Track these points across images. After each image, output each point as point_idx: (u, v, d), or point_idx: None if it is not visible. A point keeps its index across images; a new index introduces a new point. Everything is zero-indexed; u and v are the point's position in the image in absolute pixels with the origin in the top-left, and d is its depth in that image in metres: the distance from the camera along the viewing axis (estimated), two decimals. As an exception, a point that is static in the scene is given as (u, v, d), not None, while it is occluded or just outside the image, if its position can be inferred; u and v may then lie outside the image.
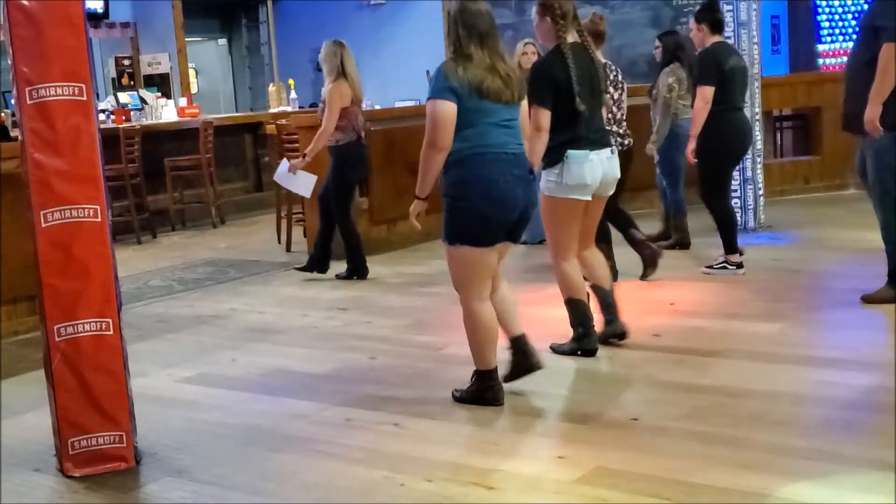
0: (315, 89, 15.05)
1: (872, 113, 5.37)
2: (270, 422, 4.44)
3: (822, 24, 12.64)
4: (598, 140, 4.90)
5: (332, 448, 4.08)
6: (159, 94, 12.60)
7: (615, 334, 5.24)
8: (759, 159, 8.64)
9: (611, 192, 5.09)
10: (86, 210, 3.81)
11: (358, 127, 7.20)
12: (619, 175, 5.05)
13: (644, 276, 6.66)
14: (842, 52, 12.51)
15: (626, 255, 6.77)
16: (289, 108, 12.62)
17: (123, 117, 11.14)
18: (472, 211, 4.22)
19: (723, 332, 5.44)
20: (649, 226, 7.77)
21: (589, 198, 4.90)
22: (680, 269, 7.01)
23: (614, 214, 6.47)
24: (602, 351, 5.11)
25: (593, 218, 5.15)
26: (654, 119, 7.63)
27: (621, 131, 6.57)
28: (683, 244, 7.70)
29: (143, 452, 4.07)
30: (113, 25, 13.91)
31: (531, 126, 4.64)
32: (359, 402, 4.63)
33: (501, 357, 4.48)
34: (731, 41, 8.41)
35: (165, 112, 11.89)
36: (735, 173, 8.47)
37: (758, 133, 8.62)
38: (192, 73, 14.47)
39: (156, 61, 13.94)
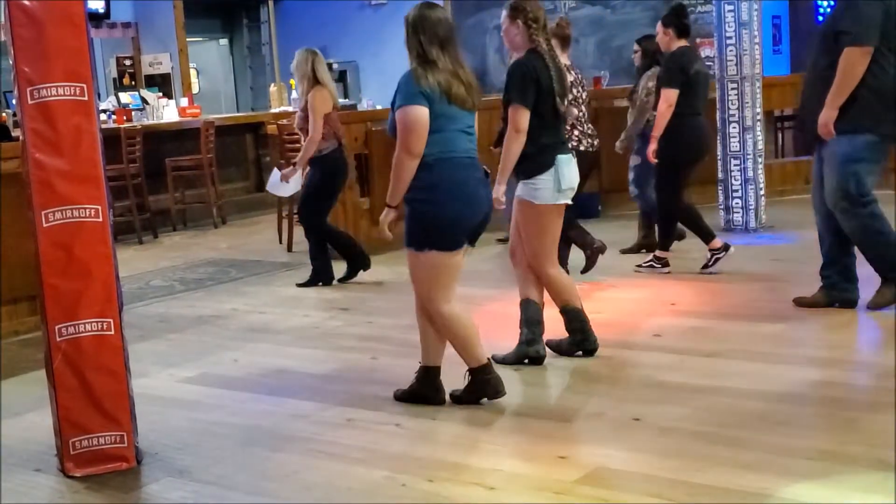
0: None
1: (827, 116, 5.31)
2: (271, 422, 4.44)
3: (824, 25, 12.62)
4: (566, 144, 4.99)
5: (334, 448, 4.08)
6: (160, 94, 12.61)
7: (527, 356, 5.04)
8: (760, 159, 8.63)
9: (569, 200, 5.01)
10: (87, 210, 3.81)
11: (339, 133, 7.23)
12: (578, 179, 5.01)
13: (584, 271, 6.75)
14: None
15: (628, 258, 6.77)
16: (290, 109, 12.59)
17: (125, 117, 11.14)
18: (441, 215, 4.22)
19: (724, 332, 5.44)
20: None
21: (569, 201, 4.92)
22: (681, 269, 7.01)
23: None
24: (603, 351, 5.10)
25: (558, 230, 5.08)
26: (629, 120, 7.69)
27: (589, 131, 6.59)
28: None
29: (144, 452, 4.07)
30: (114, 25, 13.92)
31: (510, 127, 4.69)
32: (360, 402, 4.63)
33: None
34: (732, 41, 8.42)
35: (167, 112, 11.90)
36: (736, 173, 8.51)
37: (759, 133, 8.62)
38: (193, 73, 14.48)
39: (157, 61, 13.95)
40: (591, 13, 12.92)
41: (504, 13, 4.89)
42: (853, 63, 5.21)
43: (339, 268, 7.47)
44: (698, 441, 3.91)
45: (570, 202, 4.93)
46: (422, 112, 4.14)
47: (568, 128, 6.04)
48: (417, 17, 4.26)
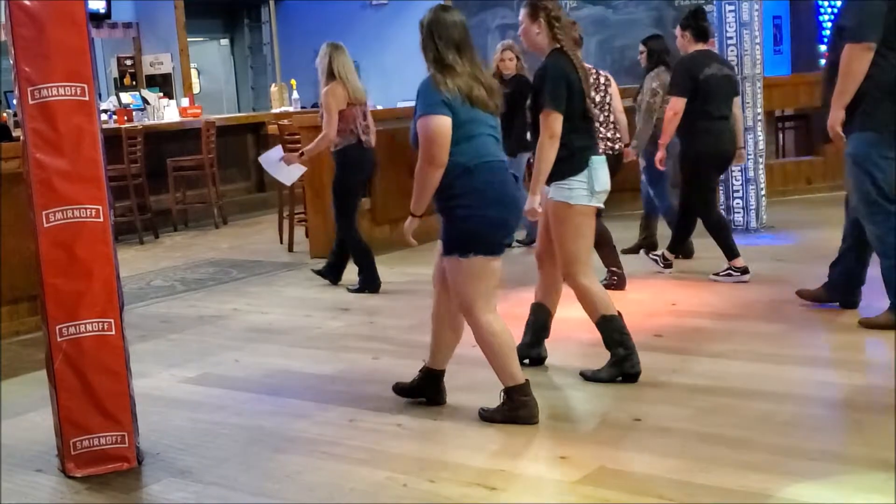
0: (317, 89, 15.06)
1: (833, 116, 5.18)
2: (273, 422, 4.44)
3: (825, 25, 12.63)
4: (598, 145, 4.84)
5: (336, 449, 4.08)
6: (161, 94, 12.61)
7: (532, 358, 4.99)
8: (760, 160, 8.64)
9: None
10: (88, 210, 3.80)
11: (357, 129, 6.99)
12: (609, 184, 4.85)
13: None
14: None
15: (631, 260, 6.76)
16: (291, 109, 12.62)
17: (125, 117, 11.14)
18: (487, 218, 4.10)
19: (725, 332, 5.43)
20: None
21: (601, 204, 4.76)
22: (681, 269, 7.00)
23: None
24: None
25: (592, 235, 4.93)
26: (637, 123, 7.61)
27: (609, 135, 6.55)
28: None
29: (146, 453, 4.07)
30: (115, 25, 13.92)
31: (544, 133, 4.51)
32: (362, 402, 4.63)
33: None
34: (732, 41, 8.41)
35: (167, 112, 11.90)
36: (737, 173, 8.51)
37: (760, 133, 8.62)
38: (194, 73, 14.48)
39: (158, 61, 13.95)
40: (593, 13, 12.90)
41: (523, 12, 4.73)
42: (851, 60, 5.07)
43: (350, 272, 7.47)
44: (699, 441, 3.90)
45: (601, 206, 4.77)
46: (444, 122, 4.03)
47: None
48: (432, 21, 4.16)
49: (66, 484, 3.89)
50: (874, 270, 5.50)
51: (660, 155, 6.81)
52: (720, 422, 4.12)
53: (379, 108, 11.24)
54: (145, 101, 12.06)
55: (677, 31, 6.95)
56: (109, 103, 11.99)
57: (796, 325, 5.51)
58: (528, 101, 4.73)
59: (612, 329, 4.69)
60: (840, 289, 5.66)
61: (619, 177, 6.47)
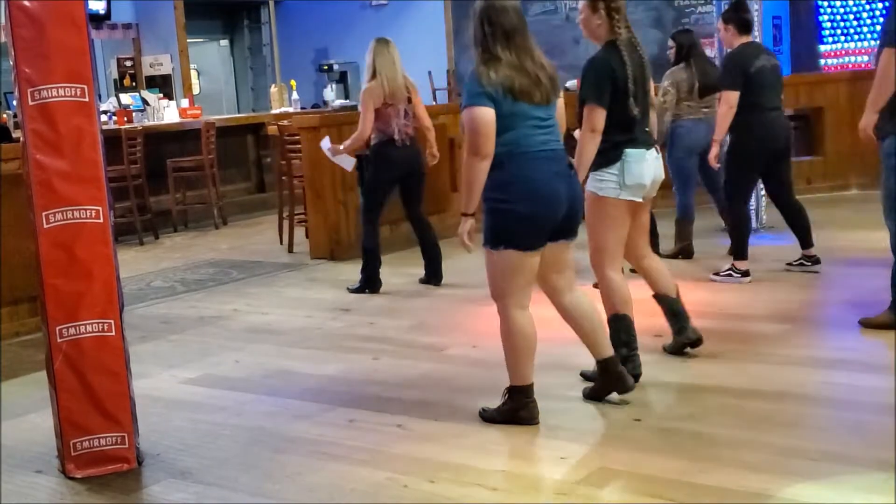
0: (317, 90, 15.07)
1: (865, 119, 5.14)
2: (274, 423, 4.44)
3: (824, 25, 12.64)
4: (647, 140, 4.73)
5: (336, 449, 4.08)
6: (161, 95, 12.61)
7: (689, 342, 4.98)
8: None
9: (654, 194, 4.81)
10: (88, 211, 3.80)
11: (391, 128, 6.91)
12: (663, 176, 4.80)
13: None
14: (843, 52, 12.51)
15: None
16: (290, 109, 12.63)
17: (125, 118, 11.13)
18: (515, 213, 4.06)
19: (726, 332, 5.43)
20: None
21: (641, 199, 4.69)
22: (682, 269, 7.00)
23: None
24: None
25: (644, 223, 4.90)
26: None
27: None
28: (686, 253, 7.54)
29: (146, 454, 4.07)
30: (115, 26, 13.93)
31: (585, 126, 4.50)
32: (362, 403, 4.62)
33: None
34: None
35: (167, 113, 11.90)
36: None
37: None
38: (193, 74, 14.47)
39: (158, 62, 13.95)
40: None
41: (583, 2, 4.69)
42: (887, 64, 5.07)
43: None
44: (700, 441, 3.90)
45: (639, 200, 4.66)
46: (485, 112, 3.99)
47: None
48: (483, 9, 4.10)
49: (66, 485, 3.89)
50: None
51: (714, 152, 6.74)
52: (720, 422, 4.12)
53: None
54: (145, 101, 12.07)
55: (719, 25, 6.88)
56: (109, 104, 11.99)
57: (796, 325, 5.50)
58: (577, 94, 4.69)
59: (620, 328, 4.69)
60: None
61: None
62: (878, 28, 11.95)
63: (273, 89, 13.84)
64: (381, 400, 4.63)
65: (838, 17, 12.72)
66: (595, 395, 4.44)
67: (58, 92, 3.73)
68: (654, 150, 4.72)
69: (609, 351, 4.37)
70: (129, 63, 14.11)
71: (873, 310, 5.40)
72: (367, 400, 4.66)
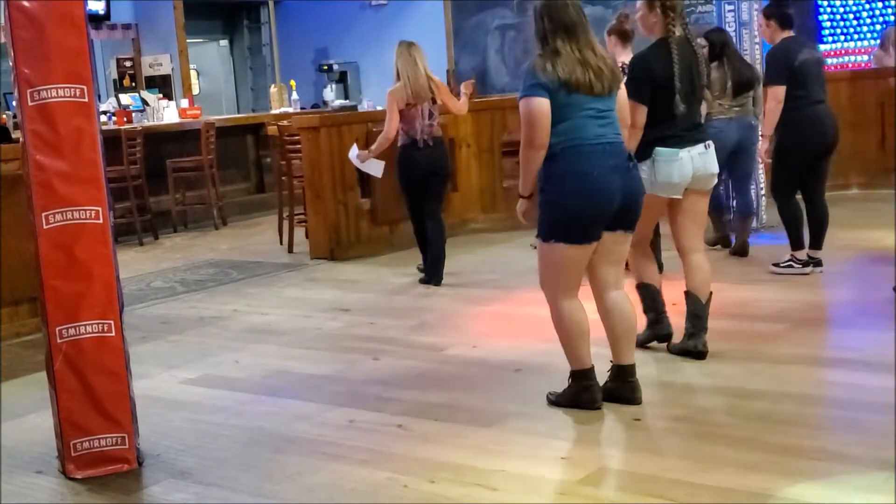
0: (316, 90, 15.07)
1: None
2: (274, 423, 4.44)
3: (824, 24, 12.62)
4: (690, 137, 4.79)
5: (336, 449, 4.08)
6: (161, 95, 12.61)
7: (694, 352, 4.95)
8: (757, 163, 8.60)
9: (709, 187, 4.94)
10: (87, 211, 3.80)
11: (414, 130, 7.04)
12: (714, 169, 4.89)
13: None
14: (843, 52, 12.50)
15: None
16: (290, 109, 12.62)
17: (125, 119, 11.14)
18: (566, 207, 4.12)
19: (726, 331, 5.42)
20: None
21: (678, 195, 4.80)
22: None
23: None
24: (604, 350, 5.09)
25: (693, 214, 4.96)
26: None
27: None
28: (725, 242, 7.66)
29: (146, 454, 4.06)
30: (114, 27, 13.91)
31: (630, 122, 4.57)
32: (362, 403, 4.62)
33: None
34: (732, 41, 8.40)
35: (167, 113, 11.90)
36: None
37: (760, 133, 8.59)
38: (193, 74, 14.47)
39: (157, 62, 13.94)
40: (592, 13, 12.79)
41: (640, 0, 4.86)
42: None
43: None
44: (700, 441, 3.90)
45: (676, 196, 4.79)
46: (541, 103, 4.07)
47: None
48: (544, 6, 4.20)
49: (66, 485, 3.89)
50: None
51: (764, 146, 6.75)
52: (720, 421, 4.12)
53: (379, 108, 11.26)
54: (145, 102, 12.07)
55: (761, 20, 6.90)
56: (109, 105, 11.99)
57: (796, 325, 5.50)
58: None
59: (647, 294, 5.07)
60: None
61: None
62: (879, 28, 11.97)
63: (273, 89, 13.84)
64: (381, 400, 4.63)
65: (838, 17, 12.70)
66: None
67: (57, 92, 3.73)
68: (699, 146, 4.81)
69: (631, 359, 4.39)
70: (128, 63, 14.10)
71: (873, 309, 5.41)
72: (367, 400, 4.66)
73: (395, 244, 8.56)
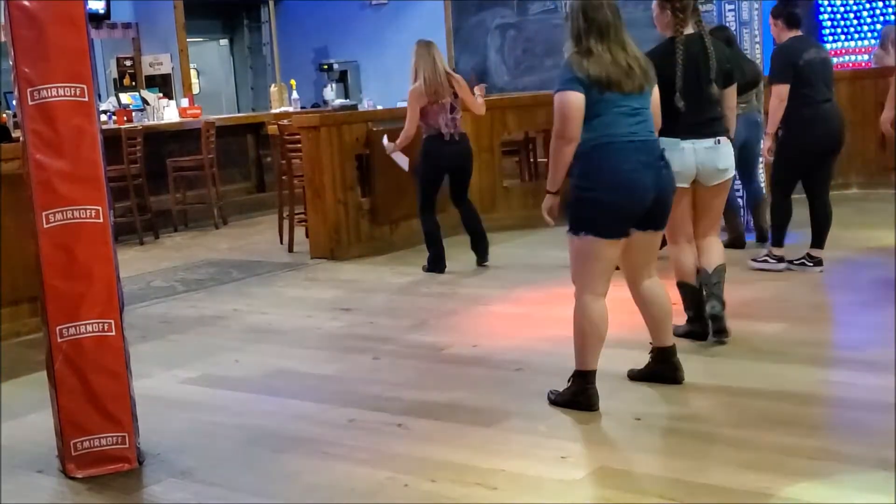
0: (316, 89, 15.07)
1: (886, 115, 5.21)
2: (274, 423, 4.44)
3: (824, 24, 12.62)
4: (698, 131, 4.94)
5: (336, 449, 4.08)
6: (161, 94, 12.61)
7: (696, 335, 5.20)
8: (760, 158, 8.62)
9: (715, 183, 5.05)
10: (88, 211, 3.80)
11: (439, 124, 7.26)
12: (721, 165, 5.01)
13: None
14: (844, 51, 12.50)
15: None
16: (290, 109, 12.62)
17: (125, 118, 11.14)
18: (598, 201, 4.17)
19: (726, 331, 5.43)
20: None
21: (684, 184, 4.88)
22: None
23: None
24: (604, 350, 5.09)
25: (704, 210, 5.13)
26: None
27: None
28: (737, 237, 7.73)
29: (146, 454, 4.06)
30: (114, 26, 13.91)
31: None
32: (362, 402, 4.62)
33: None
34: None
35: (167, 113, 11.89)
36: (737, 173, 8.47)
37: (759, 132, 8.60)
38: (193, 73, 14.47)
39: (157, 62, 13.94)
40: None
41: (654, 1, 5.02)
42: None
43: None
44: (699, 441, 3.91)
45: (681, 185, 4.84)
46: (576, 97, 4.14)
47: None
48: (580, 6, 4.27)
49: (66, 485, 3.89)
50: None
51: (767, 144, 6.78)
52: (720, 421, 4.13)
53: (379, 107, 11.26)
54: (145, 101, 12.06)
55: (770, 20, 6.96)
56: (109, 104, 11.98)
57: (796, 325, 5.50)
58: None
59: (685, 294, 5.23)
60: None
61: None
62: (879, 28, 11.96)
63: (273, 89, 13.83)
64: (381, 399, 4.63)
65: (838, 17, 12.70)
66: (642, 376, 4.62)
67: (57, 92, 3.73)
68: (708, 140, 4.97)
69: (670, 340, 4.56)
70: (128, 63, 14.10)
71: (873, 309, 5.41)
72: (366, 399, 4.66)
73: (395, 244, 8.56)
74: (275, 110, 12.82)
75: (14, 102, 7.57)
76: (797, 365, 4.80)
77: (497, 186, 9.36)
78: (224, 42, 17.17)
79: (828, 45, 12.51)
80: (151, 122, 11.42)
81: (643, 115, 4.27)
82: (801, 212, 6.92)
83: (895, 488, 3.33)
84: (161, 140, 10.86)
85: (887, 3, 12.22)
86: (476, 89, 7.74)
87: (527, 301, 6.46)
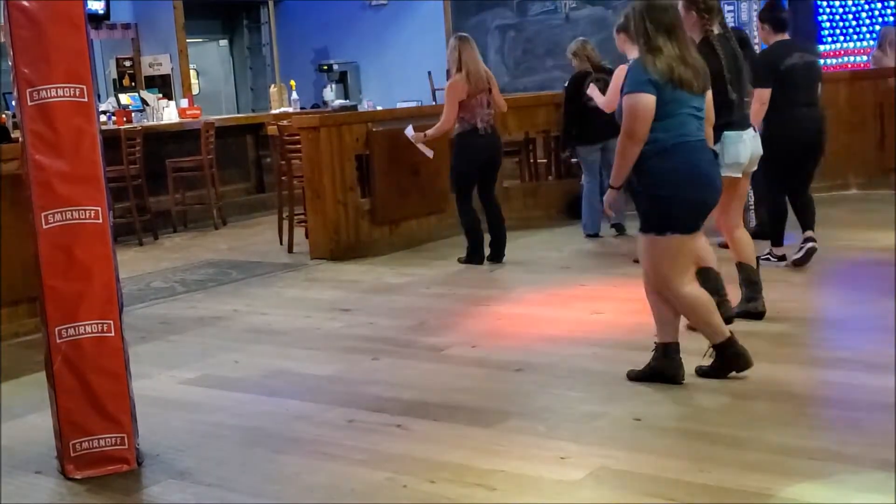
0: (316, 90, 15.08)
1: None
2: (273, 423, 4.44)
3: (823, 25, 12.62)
4: (745, 122, 5.37)
5: (335, 449, 4.07)
6: (160, 95, 12.61)
7: (755, 313, 5.46)
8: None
9: (754, 169, 5.50)
10: (87, 211, 3.80)
11: (475, 118, 7.41)
12: (760, 153, 5.44)
13: None
14: (842, 52, 12.50)
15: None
16: (290, 109, 12.62)
17: (125, 118, 11.13)
18: (681, 199, 4.34)
19: (725, 332, 5.43)
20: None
21: (739, 174, 5.28)
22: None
23: None
24: (604, 350, 5.10)
25: (741, 196, 5.54)
26: None
27: None
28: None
29: (145, 454, 4.06)
30: (114, 26, 13.92)
31: None
32: (362, 403, 4.62)
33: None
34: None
35: (167, 113, 11.90)
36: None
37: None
38: (193, 74, 14.47)
39: (157, 62, 13.94)
40: (592, 13, 12.90)
41: (680, 3, 5.10)
42: None
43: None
44: (699, 441, 3.90)
45: (738, 175, 5.28)
46: (648, 99, 4.26)
47: None
48: (645, 6, 4.38)
49: (65, 485, 3.89)
50: None
51: None
52: (721, 421, 4.12)
53: (379, 108, 11.27)
54: (144, 102, 12.06)
55: (756, 24, 7.10)
56: (108, 104, 11.98)
57: (796, 325, 5.50)
58: None
59: (742, 276, 5.51)
60: None
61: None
62: (877, 29, 11.97)
63: (273, 89, 13.83)
64: (380, 400, 4.63)
65: (838, 17, 12.70)
66: (642, 376, 4.64)
67: (57, 92, 3.73)
68: (750, 129, 5.41)
69: (725, 333, 4.58)
70: (128, 63, 14.10)
71: (872, 309, 5.41)
72: (366, 400, 4.66)
73: (395, 244, 8.56)
74: (274, 111, 12.81)
75: (13, 103, 7.58)
76: (797, 365, 4.80)
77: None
78: (224, 42, 17.18)
79: (827, 47, 12.52)
80: (151, 123, 11.42)
81: (703, 115, 4.47)
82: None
83: (895, 488, 3.33)
84: (160, 141, 10.85)
85: (886, 4, 12.22)
86: None
87: (527, 301, 6.46)
